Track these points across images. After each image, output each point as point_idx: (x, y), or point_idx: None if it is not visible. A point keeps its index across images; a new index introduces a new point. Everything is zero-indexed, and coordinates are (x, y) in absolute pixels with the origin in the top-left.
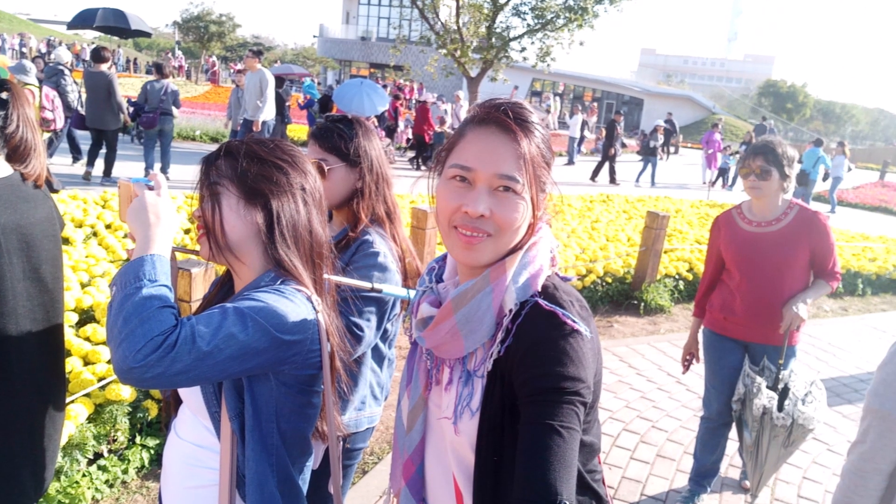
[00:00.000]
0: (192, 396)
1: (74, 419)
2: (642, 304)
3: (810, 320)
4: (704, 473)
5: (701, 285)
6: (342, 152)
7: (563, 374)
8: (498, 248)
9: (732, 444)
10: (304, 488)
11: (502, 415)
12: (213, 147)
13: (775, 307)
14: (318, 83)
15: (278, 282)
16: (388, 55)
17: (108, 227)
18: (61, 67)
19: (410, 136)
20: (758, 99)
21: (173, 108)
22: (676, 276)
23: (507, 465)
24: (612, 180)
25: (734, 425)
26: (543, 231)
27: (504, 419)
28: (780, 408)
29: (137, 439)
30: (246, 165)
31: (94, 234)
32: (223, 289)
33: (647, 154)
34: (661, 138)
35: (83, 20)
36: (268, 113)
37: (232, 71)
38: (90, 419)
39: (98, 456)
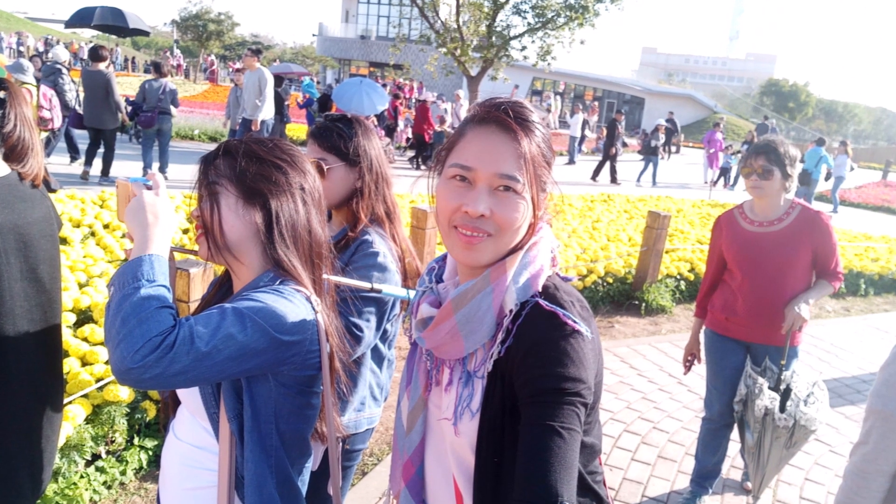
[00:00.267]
0: (190, 397)
1: (72, 420)
2: (643, 304)
3: (812, 321)
4: (706, 475)
5: (702, 285)
6: (341, 152)
7: (564, 374)
8: (498, 248)
9: (734, 445)
10: (304, 490)
11: (503, 416)
12: (212, 146)
13: (777, 307)
14: (318, 82)
15: (277, 282)
16: (388, 54)
17: (106, 226)
18: (59, 66)
19: (410, 136)
20: (760, 98)
21: (171, 108)
22: (678, 277)
23: (508, 466)
24: (613, 180)
25: (736, 426)
26: (544, 231)
27: (504, 420)
28: (782, 409)
29: (136, 440)
30: (245, 165)
31: (92, 233)
32: (222, 289)
33: (649, 153)
34: (662, 137)
35: (81, 19)
36: (267, 112)
37: (230, 70)
38: (88, 420)
39: (96, 457)
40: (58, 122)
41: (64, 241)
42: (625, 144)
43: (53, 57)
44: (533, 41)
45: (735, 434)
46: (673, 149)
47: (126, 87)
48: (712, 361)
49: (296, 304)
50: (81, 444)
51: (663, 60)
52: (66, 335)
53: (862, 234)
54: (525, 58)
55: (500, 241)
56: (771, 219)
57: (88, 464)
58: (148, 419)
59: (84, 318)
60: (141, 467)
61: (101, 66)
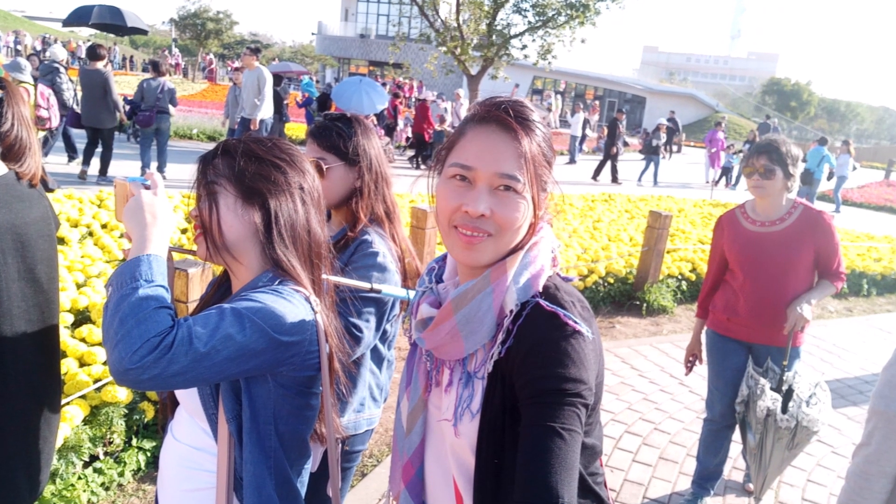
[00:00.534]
0: (188, 398)
1: (70, 421)
2: (644, 304)
3: (814, 321)
4: (707, 476)
5: (704, 286)
6: (341, 151)
7: (565, 375)
8: (498, 248)
9: (736, 446)
10: (303, 491)
11: (503, 417)
12: (211, 146)
13: (779, 308)
14: (317, 81)
15: (276, 282)
16: (388, 53)
17: (104, 226)
18: (57, 65)
19: (410, 135)
20: (761, 97)
21: (170, 107)
22: (679, 277)
23: (508, 467)
24: (614, 179)
25: (737, 427)
26: (545, 231)
27: (505, 421)
28: (784, 409)
29: (134, 442)
30: (243, 164)
31: (90, 233)
32: (220, 289)
33: (650, 153)
34: (663, 137)
35: (79, 17)
36: (266, 111)
37: (229, 69)
38: (86, 421)
39: (94, 458)
40: (55, 122)
41: (62, 240)
42: (626, 144)
43: (51, 56)
44: (533, 40)
45: (737, 435)
46: (674, 148)
47: (124, 85)
48: (714, 362)
49: (295, 304)
50: (79, 445)
51: (665, 59)
52: (64, 336)
53: (864, 234)
54: (525, 57)
55: (501, 241)
56: (773, 219)
57: (86, 465)
58: (146, 420)
59: (82, 318)
60: (139, 469)
61: (99, 64)
